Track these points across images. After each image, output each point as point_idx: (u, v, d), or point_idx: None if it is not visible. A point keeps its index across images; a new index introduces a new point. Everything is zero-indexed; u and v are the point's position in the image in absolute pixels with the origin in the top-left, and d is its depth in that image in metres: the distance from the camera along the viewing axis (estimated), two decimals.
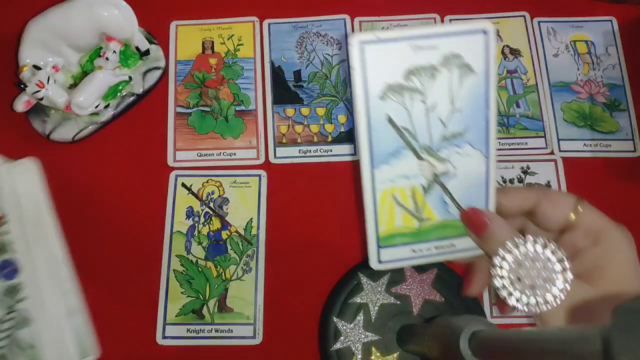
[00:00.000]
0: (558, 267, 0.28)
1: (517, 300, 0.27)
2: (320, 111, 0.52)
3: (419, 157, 0.30)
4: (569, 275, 0.27)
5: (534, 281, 0.28)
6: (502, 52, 0.54)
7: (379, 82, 0.28)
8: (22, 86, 0.47)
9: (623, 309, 0.18)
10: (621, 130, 0.51)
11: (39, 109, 0.50)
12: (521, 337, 0.25)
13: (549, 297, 0.27)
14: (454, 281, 0.46)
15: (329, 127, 0.52)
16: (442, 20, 0.55)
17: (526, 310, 0.28)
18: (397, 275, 0.45)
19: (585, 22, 0.55)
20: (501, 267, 0.28)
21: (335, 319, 0.44)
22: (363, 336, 0.44)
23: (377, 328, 0.44)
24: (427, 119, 0.29)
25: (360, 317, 0.44)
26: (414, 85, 0.28)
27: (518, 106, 0.52)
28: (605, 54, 0.54)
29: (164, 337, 0.45)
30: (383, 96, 0.28)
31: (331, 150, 0.51)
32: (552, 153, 0.51)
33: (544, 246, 0.28)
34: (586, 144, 0.51)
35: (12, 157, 0.51)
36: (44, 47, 0.48)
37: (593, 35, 0.55)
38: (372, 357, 0.43)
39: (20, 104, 0.48)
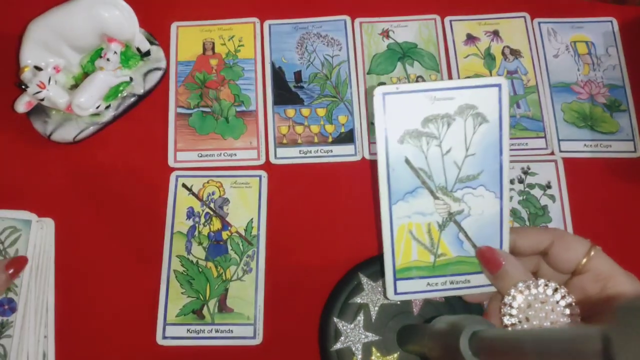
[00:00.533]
0: (567, 311, 0.29)
1: None
2: (321, 112, 0.52)
3: (435, 196, 0.32)
4: (577, 320, 0.29)
5: (542, 323, 0.29)
6: (503, 53, 0.54)
7: (398, 128, 0.31)
8: (23, 87, 0.47)
9: (623, 308, 0.18)
10: (621, 131, 0.51)
11: (39, 109, 0.50)
12: (521, 337, 0.25)
13: None
14: None
15: (329, 128, 0.52)
16: (443, 21, 0.55)
17: None
18: None
19: (585, 23, 0.55)
20: (511, 307, 0.30)
21: (335, 319, 0.44)
22: (363, 336, 0.44)
23: (378, 328, 0.44)
24: (442, 162, 0.32)
25: (361, 318, 0.44)
26: (430, 131, 0.31)
27: (518, 107, 0.52)
28: (606, 55, 0.54)
29: (164, 338, 0.45)
30: (402, 140, 0.31)
31: (332, 151, 0.51)
32: (552, 154, 0.51)
33: (554, 290, 0.29)
34: (586, 145, 0.51)
35: (13, 157, 0.51)
36: (45, 48, 0.48)
37: (593, 36, 0.55)
38: (373, 357, 0.43)
39: (21, 105, 0.48)
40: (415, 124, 0.31)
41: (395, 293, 0.33)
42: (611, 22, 0.55)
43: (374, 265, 0.46)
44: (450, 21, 0.55)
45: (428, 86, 0.31)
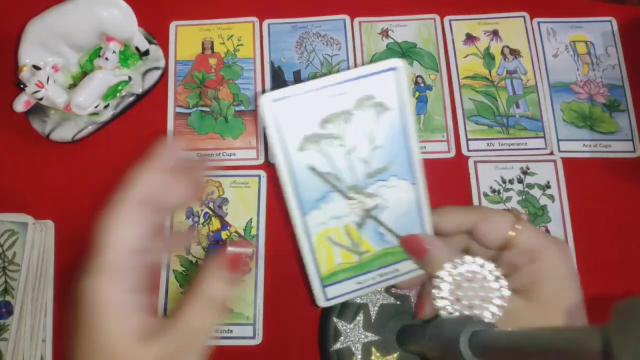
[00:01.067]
0: (495, 285, 0.29)
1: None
2: None
3: (347, 197, 0.30)
4: (506, 292, 0.29)
5: (472, 301, 0.29)
6: (502, 53, 0.54)
7: (295, 135, 0.28)
8: (21, 86, 0.47)
9: (623, 309, 0.18)
10: (621, 131, 0.51)
11: (38, 109, 0.50)
12: (521, 337, 0.25)
13: (487, 314, 0.29)
14: None
15: None
16: (442, 21, 0.55)
17: None
18: None
19: (584, 23, 0.55)
20: (441, 289, 0.29)
21: (335, 319, 0.44)
22: (363, 336, 0.44)
23: (377, 328, 0.44)
24: (348, 161, 0.30)
25: (360, 318, 0.44)
26: (330, 132, 0.29)
27: (518, 107, 0.52)
28: (605, 55, 0.54)
29: None
30: (302, 148, 0.29)
31: None
32: (551, 153, 0.51)
33: (482, 265, 0.29)
34: (586, 145, 0.51)
35: (12, 156, 0.51)
36: (43, 47, 0.48)
37: (592, 36, 0.55)
38: (372, 358, 0.43)
39: (20, 104, 0.48)
40: (313, 127, 0.28)
41: (326, 300, 0.33)
42: (610, 21, 0.55)
43: None
44: (450, 21, 0.55)
45: (319, 84, 0.28)
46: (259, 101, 0.27)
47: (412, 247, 0.32)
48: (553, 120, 0.52)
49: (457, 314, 0.29)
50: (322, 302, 0.32)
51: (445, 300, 0.29)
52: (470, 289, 0.29)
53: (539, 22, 0.55)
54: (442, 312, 0.29)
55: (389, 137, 0.30)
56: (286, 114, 0.28)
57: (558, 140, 0.51)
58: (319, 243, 0.31)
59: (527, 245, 0.31)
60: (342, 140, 0.29)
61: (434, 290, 0.30)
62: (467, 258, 0.30)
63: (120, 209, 0.26)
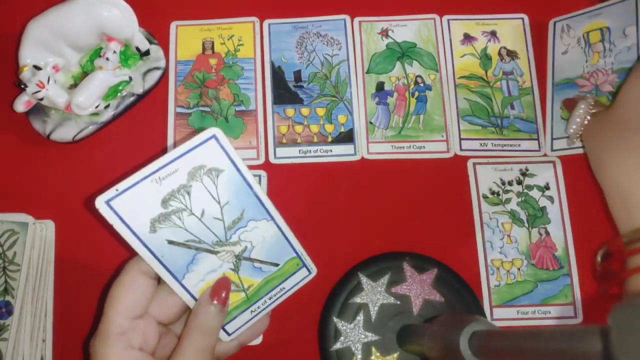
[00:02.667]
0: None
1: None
2: (320, 111, 0.52)
3: (215, 252, 0.32)
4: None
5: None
6: (499, 54, 0.54)
7: (143, 222, 0.30)
8: (22, 86, 0.47)
9: (623, 309, 0.18)
10: None
11: (39, 109, 0.50)
12: (521, 337, 0.25)
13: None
14: (454, 281, 0.46)
15: (329, 128, 0.52)
16: (441, 20, 0.55)
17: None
18: (397, 276, 0.46)
19: (604, 9, 0.52)
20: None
21: (335, 319, 0.44)
22: (363, 336, 0.44)
23: (377, 328, 0.44)
24: (203, 224, 0.32)
25: (360, 317, 0.44)
26: (175, 207, 0.30)
27: (512, 108, 0.52)
28: (622, 37, 0.51)
29: None
30: (153, 229, 0.30)
31: (331, 151, 0.51)
32: (545, 155, 0.51)
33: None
34: None
35: (12, 157, 0.51)
36: (44, 47, 0.48)
37: (611, 20, 0.51)
38: (372, 357, 0.43)
39: (21, 104, 0.48)
40: (157, 210, 0.30)
41: (229, 335, 0.35)
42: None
43: (373, 265, 0.46)
44: (448, 20, 0.55)
45: (147, 171, 0.29)
46: (96, 205, 0.28)
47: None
48: (551, 120, 0.52)
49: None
50: (225, 338, 0.35)
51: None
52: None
53: (554, 22, 0.54)
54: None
55: (234, 192, 0.32)
56: (125, 207, 0.29)
57: (552, 139, 0.51)
58: None
59: None
60: (190, 210, 0.31)
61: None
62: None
63: (125, 277, 0.31)
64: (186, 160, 0.30)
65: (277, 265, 0.35)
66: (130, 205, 0.29)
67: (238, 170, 0.32)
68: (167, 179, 0.30)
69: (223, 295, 0.32)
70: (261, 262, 0.34)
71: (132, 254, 0.31)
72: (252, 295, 0.35)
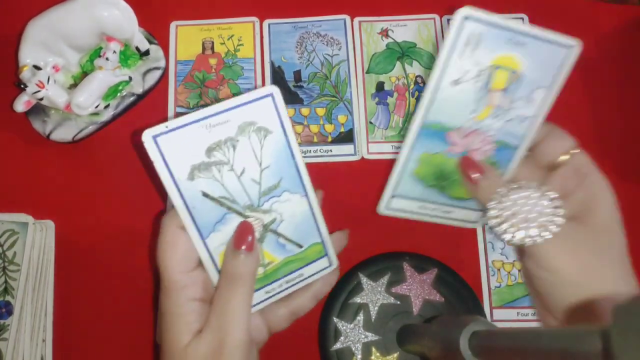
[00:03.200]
0: (550, 204, 0.30)
1: (512, 236, 0.29)
2: (320, 111, 0.52)
3: (245, 217, 0.32)
4: (561, 212, 0.29)
5: (528, 216, 0.29)
6: None
7: (183, 166, 0.29)
8: (22, 86, 0.47)
9: (623, 309, 0.18)
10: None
11: (39, 109, 0.50)
12: (521, 337, 0.25)
13: (544, 233, 0.29)
14: (454, 281, 0.46)
15: (328, 128, 0.52)
16: (441, 20, 0.55)
17: (521, 242, 0.29)
18: (397, 276, 0.46)
19: (533, 40, 0.32)
20: (501, 204, 0.30)
21: (335, 319, 0.44)
22: (363, 336, 0.44)
23: (377, 328, 0.44)
24: (240, 183, 0.31)
25: (360, 317, 0.44)
26: (218, 159, 0.30)
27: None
28: (525, 99, 0.33)
29: None
30: (192, 177, 0.30)
31: (331, 151, 0.51)
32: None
33: (537, 188, 0.30)
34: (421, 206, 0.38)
35: (12, 157, 0.51)
36: (44, 47, 0.48)
37: (529, 64, 0.32)
38: (372, 357, 0.43)
39: (20, 104, 0.48)
40: (200, 156, 0.29)
41: None
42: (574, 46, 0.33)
43: (373, 265, 0.46)
44: (448, 20, 0.55)
45: (199, 115, 0.29)
46: (142, 137, 0.28)
47: (468, 165, 0.34)
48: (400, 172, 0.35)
49: (511, 228, 0.29)
50: None
51: (499, 218, 0.30)
52: (527, 205, 0.30)
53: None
54: (498, 229, 0.30)
55: (276, 157, 0.32)
56: (170, 147, 0.29)
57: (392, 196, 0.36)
58: (222, 261, 0.33)
59: (580, 168, 0.32)
60: (231, 165, 0.31)
61: (489, 210, 0.30)
62: (522, 182, 0.31)
63: (166, 236, 0.31)
64: (239, 113, 0.30)
65: (300, 246, 0.34)
66: (175, 145, 0.29)
67: (286, 135, 0.31)
68: (216, 127, 0.29)
69: (249, 239, 0.31)
70: (286, 238, 0.34)
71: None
72: (270, 273, 0.34)
